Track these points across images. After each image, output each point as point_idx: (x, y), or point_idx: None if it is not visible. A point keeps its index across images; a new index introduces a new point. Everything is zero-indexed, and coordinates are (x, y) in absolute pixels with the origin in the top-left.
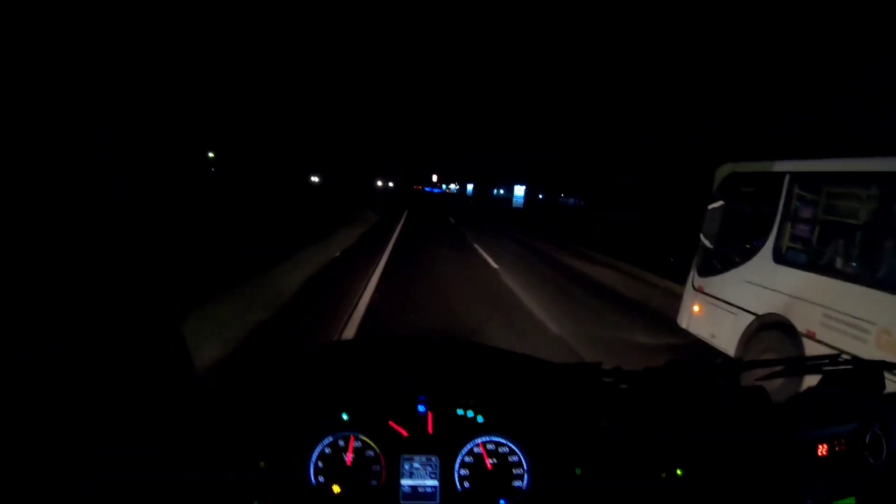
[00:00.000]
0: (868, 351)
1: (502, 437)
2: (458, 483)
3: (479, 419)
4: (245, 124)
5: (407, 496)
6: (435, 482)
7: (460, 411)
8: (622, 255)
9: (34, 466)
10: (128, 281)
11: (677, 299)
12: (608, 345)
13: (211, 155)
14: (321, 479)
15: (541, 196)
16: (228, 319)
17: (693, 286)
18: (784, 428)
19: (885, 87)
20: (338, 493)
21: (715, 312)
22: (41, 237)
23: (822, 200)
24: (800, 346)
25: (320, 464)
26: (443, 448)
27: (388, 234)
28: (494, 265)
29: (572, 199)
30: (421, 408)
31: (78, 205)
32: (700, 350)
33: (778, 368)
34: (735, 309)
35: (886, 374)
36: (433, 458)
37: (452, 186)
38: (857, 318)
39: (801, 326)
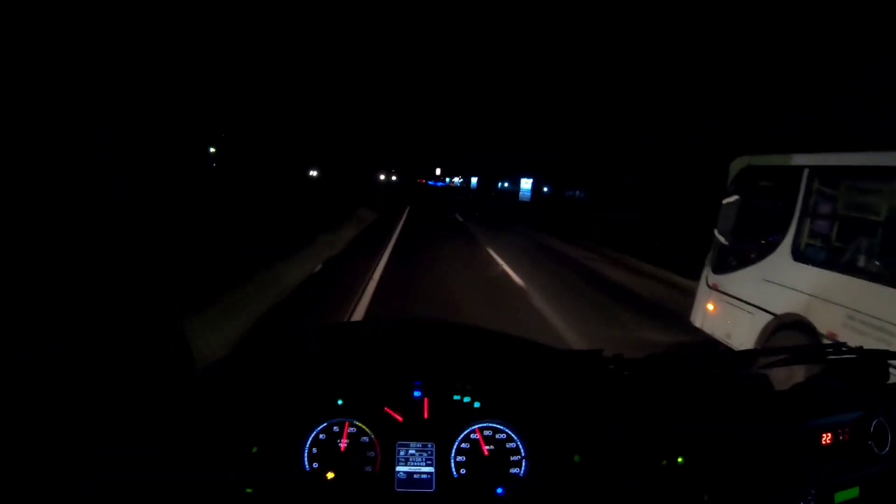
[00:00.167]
0: None
1: (499, 423)
2: (454, 470)
3: (476, 405)
4: (246, 119)
5: (402, 483)
6: (431, 469)
7: (457, 397)
8: (673, 263)
9: (34, 466)
10: (128, 280)
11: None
12: None
13: (212, 150)
14: (315, 465)
15: (546, 189)
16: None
17: (707, 283)
18: (787, 417)
19: (886, 87)
20: (332, 480)
21: (730, 311)
22: (41, 237)
23: (845, 196)
24: None
25: (314, 450)
26: (439, 434)
27: (386, 236)
28: (519, 281)
29: (579, 192)
30: (417, 393)
31: (78, 205)
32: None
33: (781, 357)
34: (752, 308)
35: (891, 363)
36: (429, 445)
37: (456, 180)
38: (883, 320)
39: (821, 327)
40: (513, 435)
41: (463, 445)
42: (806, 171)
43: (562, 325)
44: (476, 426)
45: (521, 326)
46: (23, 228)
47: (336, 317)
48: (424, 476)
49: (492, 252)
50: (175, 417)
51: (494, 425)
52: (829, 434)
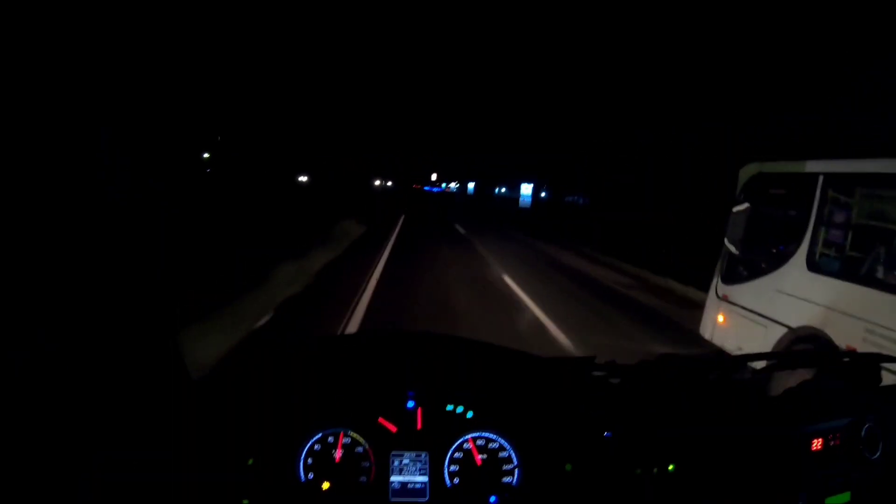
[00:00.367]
0: None
1: (492, 433)
2: (447, 479)
3: (469, 415)
4: (241, 124)
5: (396, 492)
6: (424, 478)
7: (450, 407)
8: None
9: (34, 466)
10: (127, 281)
11: None
12: None
13: (206, 156)
14: (310, 475)
15: (543, 194)
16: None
17: (717, 294)
18: (779, 422)
19: (886, 87)
20: (327, 490)
21: (742, 323)
22: (42, 237)
23: (863, 204)
24: None
25: (309, 460)
26: (432, 444)
27: (370, 261)
28: (545, 320)
29: (580, 199)
30: (410, 403)
31: (78, 205)
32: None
33: (773, 362)
34: (764, 320)
35: (883, 366)
36: (423, 455)
37: (452, 185)
38: None
39: (839, 341)
40: (505, 444)
41: (456, 455)
42: (821, 179)
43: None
44: (469, 436)
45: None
46: (23, 228)
47: None
48: (418, 485)
49: (513, 285)
50: (174, 417)
51: (487, 435)
52: (821, 439)
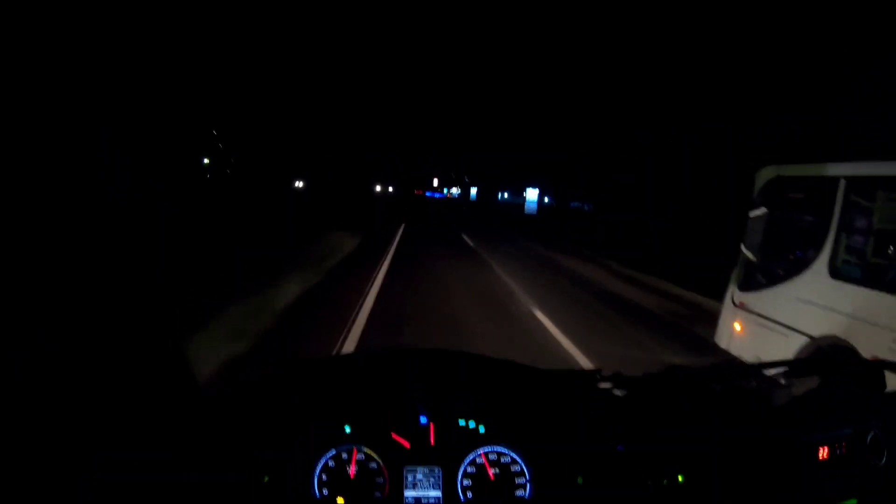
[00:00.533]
0: None
1: (504, 447)
2: (461, 494)
3: (481, 429)
4: (241, 128)
5: None
6: (438, 493)
7: (462, 422)
8: None
9: (34, 466)
10: (128, 281)
11: None
12: None
13: (206, 161)
14: (325, 491)
15: (546, 199)
16: None
17: (733, 302)
18: (785, 431)
19: (886, 87)
20: None
21: (760, 332)
22: (41, 237)
23: (888, 208)
24: None
25: (324, 476)
26: (445, 459)
27: (358, 288)
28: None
29: (586, 205)
30: (423, 419)
31: (78, 205)
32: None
33: (779, 371)
34: (785, 329)
35: (887, 374)
36: (436, 469)
37: (454, 190)
38: None
39: (864, 351)
40: (517, 458)
41: (469, 469)
42: (843, 182)
43: None
44: (481, 450)
45: None
46: (23, 229)
47: None
48: (432, 500)
49: (550, 326)
50: (175, 417)
51: (499, 449)
52: (827, 447)
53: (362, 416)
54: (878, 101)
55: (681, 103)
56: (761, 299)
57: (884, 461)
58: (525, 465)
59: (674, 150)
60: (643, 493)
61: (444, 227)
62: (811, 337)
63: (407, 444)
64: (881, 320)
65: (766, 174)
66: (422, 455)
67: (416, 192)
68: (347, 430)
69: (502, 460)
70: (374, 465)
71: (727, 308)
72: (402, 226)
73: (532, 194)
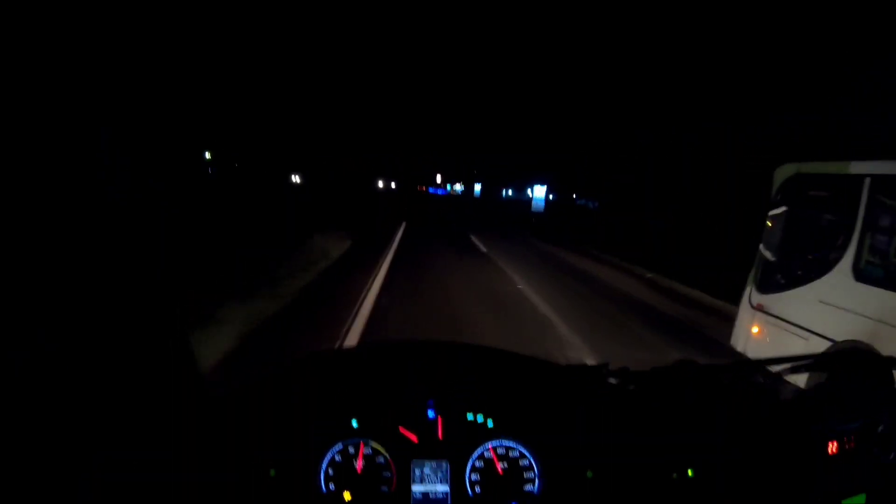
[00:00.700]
0: None
1: (513, 441)
2: (469, 488)
3: (490, 423)
4: (242, 124)
5: (418, 502)
6: (446, 487)
7: (470, 416)
8: None
9: (34, 466)
10: (128, 281)
11: None
12: None
13: (208, 156)
14: (332, 486)
15: (551, 196)
16: None
17: (750, 303)
18: (793, 425)
19: (886, 87)
20: (349, 501)
21: (779, 335)
22: (41, 237)
23: None
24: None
25: (331, 471)
26: (453, 453)
27: (348, 305)
28: None
29: (592, 203)
30: (430, 413)
31: (78, 205)
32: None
33: (788, 366)
34: (805, 333)
35: None
36: (444, 464)
37: (458, 187)
38: None
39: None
40: (526, 452)
41: (477, 464)
42: (868, 181)
43: None
44: (490, 444)
45: None
46: (23, 228)
47: None
48: (440, 495)
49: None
50: (176, 418)
51: (508, 443)
52: (836, 442)
53: (369, 410)
54: (878, 101)
55: (681, 103)
56: (780, 301)
57: (893, 456)
58: (534, 460)
59: (674, 150)
60: (653, 488)
61: (449, 225)
62: (833, 341)
63: (415, 438)
64: None
65: (784, 172)
66: (430, 449)
67: (419, 188)
68: (354, 424)
69: (511, 454)
70: (381, 459)
71: (744, 310)
72: (403, 225)
73: (539, 191)
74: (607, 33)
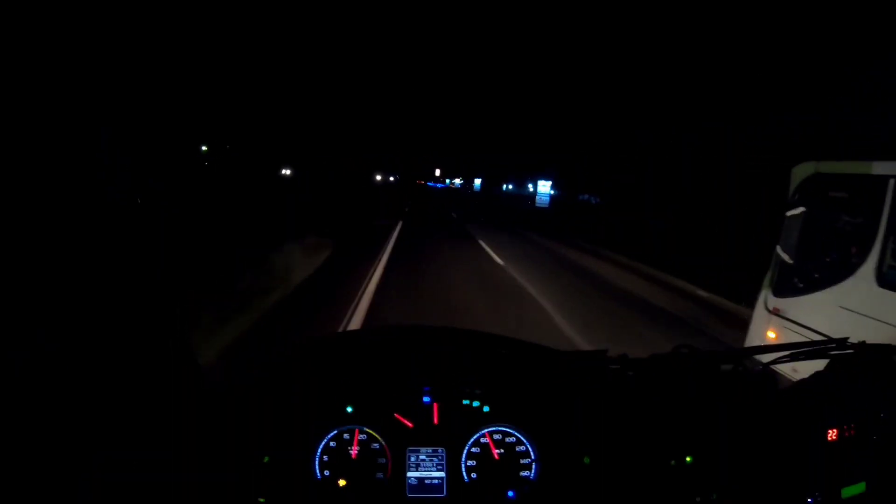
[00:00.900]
0: None
1: (509, 427)
2: (465, 474)
3: (485, 409)
4: (240, 118)
5: (413, 488)
6: (442, 473)
7: (466, 401)
8: None
9: (34, 466)
10: (128, 280)
11: None
12: None
13: (204, 148)
14: (326, 472)
15: (553, 192)
16: None
17: (766, 307)
18: (793, 414)
19: (886, 87)
20: (343, 487)
21: (796, 341)
22: (41, 237)
23: None
24: None
25: (325, 457)
26: (449, 439)
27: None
28: None
29: (594, 199)
30: (426, 399)
31: (78, 205)
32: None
33: (786, 353)
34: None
35: None
36: (439, 450)
37: (457, 181)
38: None
39: None
40: (522, 438)
41: (473, 450)
42: (892, 182)
43: None
44: (486, 430)
45: None
46: (23, 228)
47: None
48: (435, 481)
49: None
50: (176, 417)
51: (504, 429)
52: (836, 430)
53: (364, 396)
54: (878, 101)
55: (681, 103)
56: (798, 305)
57: (893, 443)
58: (530, 445)
59: (674, 149)
60: (651, 474)
61: (450, 223)
62: None
63: (410, 425)
64: None
65: (802, 171)
66: (425, 435)
67: (418, 182)
68: (349, 410)
69: (507, 440)
70: (376, 445)
71: (759, 313)
72: (400, 224)
73: (544, 186)
74: (607, 33)
